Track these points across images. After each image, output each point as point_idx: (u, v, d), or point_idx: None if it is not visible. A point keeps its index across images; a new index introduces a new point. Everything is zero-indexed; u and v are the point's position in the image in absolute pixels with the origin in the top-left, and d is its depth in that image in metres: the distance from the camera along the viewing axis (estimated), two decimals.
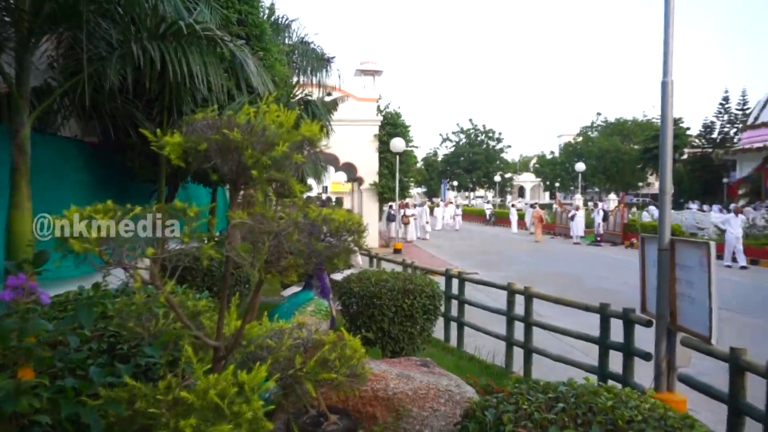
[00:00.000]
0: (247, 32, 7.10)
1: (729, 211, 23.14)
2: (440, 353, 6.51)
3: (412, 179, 26.87)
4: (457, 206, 36.38)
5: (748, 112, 41.06)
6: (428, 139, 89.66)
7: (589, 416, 1.99)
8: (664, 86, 4.05)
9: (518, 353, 6.17)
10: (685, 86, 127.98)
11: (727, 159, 35.23)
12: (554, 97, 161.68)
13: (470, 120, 65.54)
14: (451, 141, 66.04)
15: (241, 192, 2.00)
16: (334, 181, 66.09)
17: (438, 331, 7.01)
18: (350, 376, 2.10)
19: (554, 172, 62.17)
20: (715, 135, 52.57)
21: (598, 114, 65.23)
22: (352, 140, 19.65)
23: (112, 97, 5.45)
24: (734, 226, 15.88)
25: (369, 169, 20.39)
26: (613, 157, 51.82)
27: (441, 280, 7.88)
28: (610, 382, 4.24)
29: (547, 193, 72.15)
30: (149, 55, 4.86)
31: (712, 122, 53.56)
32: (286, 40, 11.64)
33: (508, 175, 65.89)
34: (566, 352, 6.29)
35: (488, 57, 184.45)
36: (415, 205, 33.11)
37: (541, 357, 5.85)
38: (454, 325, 7.46)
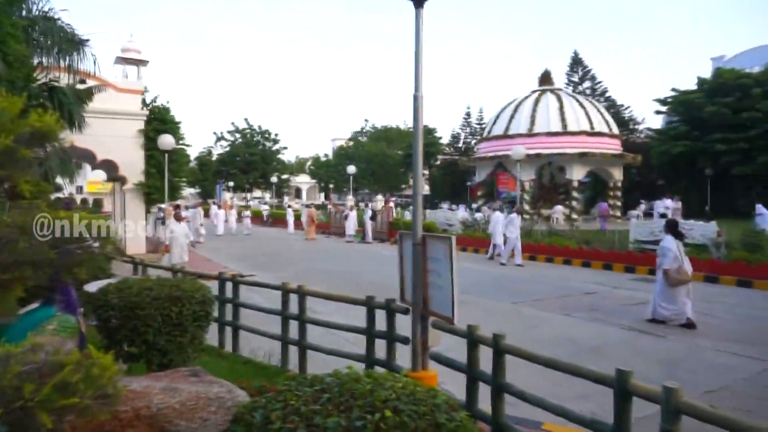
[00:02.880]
0: None
1: (473, 210, 27.08)
2: (214, 360, 6.26)
3: (184, 179, 25.15)
4: (246, 207, 34.02)
5: (484, 125, 48.57)
6: (202, 138, 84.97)
7: (351, 401, 2.14)
8: (416, 99, 4.55)
9: (295, 351, 6.29)
10: (439, 100, 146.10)
11: (469, 165, 41.30)
12: (328, 102, 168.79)
13: (246, 120, 64.43)
14: (226, 140, 63.96)
15: None
16: (92, 180, 58.21)
17: (212, 337, 6.74)
18: (99, 398, 1.87)
19: (328, 173, 64.93)
20: (460, 144, 61.27)
21: (366, 120, 70.34)
22: (112, 135, 17.55)
23: None
24: (516, 226, 16.14)
25: (133, 168, 18.47)
26: (380, 161, 56.41)
27: (215, 285, 7.62)
28: (377, 368, 4.64)
29: (322, 194, 74.93)
30: None
31: (458, 133, 62.40)
32: (24, 12, 9.84)
33: (284, 176, 66.53)
34: (340, 345, 6.64)
35: (264, 58, 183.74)
36: (187, 207, 31.14)
37: (316, 353, 6.06)
38: (229, 330, 7.26)
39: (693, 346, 7.34)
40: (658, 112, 42.62)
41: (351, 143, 66.69)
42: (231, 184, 62.23)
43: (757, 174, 33.50)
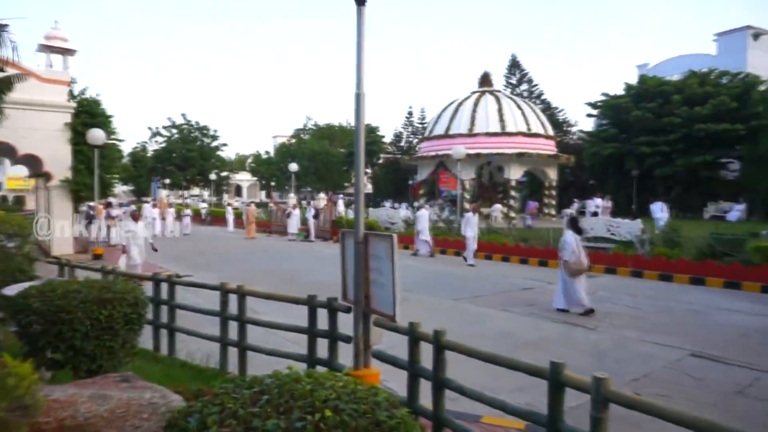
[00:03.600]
0: None
1: (415, 209, 27.32)
2: (148, 365, 6.01)
3: (116, 176, 23.93)
4: (186, 206, 31.71)
5: (426, 125, 49.24)
6: (136, 133, 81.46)
7: (291, 402, 2.11)
8: (357, 98, 4.54)
9: (234, 353, 6.14)
10: (382, 99, 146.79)
11: (412, 164, 41.76)
12: (270, 99, 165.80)
13: (183, 115, 62.23)
14: (162, 136, 61.52)
15: None
16: (12, 176, 54.55)
17: (146, 341, 6.48)
18: (16, 410, 1.75)
19: (270, 171, 63.82)
20: (403, 143, 61.83)
21: (309, 118, 69.65)
22: (35, 128, 16.52)
23: None
24: (473, 225, 15.91)
25: (59, 163, 17.43)
26: (323, 159, 55.99)
27: (149, 286, 7.32)
28: (320, 368, 4.60)
29: (264, 192, 73.62)
30: None
31: (401, 132, 62.94)
32: None
33: (224, 174, 64.82)
34: (281, 345, 6.54)
35: (204, 53, 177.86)
36: (121, 205, 29.73)
37: (257, 354, 5.94)
38: (165, 333, 7.00)
39: (620, 337, 7.75)
40: (589, 115, 44.71)
41: (293, 141, 65.79)
42: (167, 181, 59.96)
43: (677, 175, 35.81)
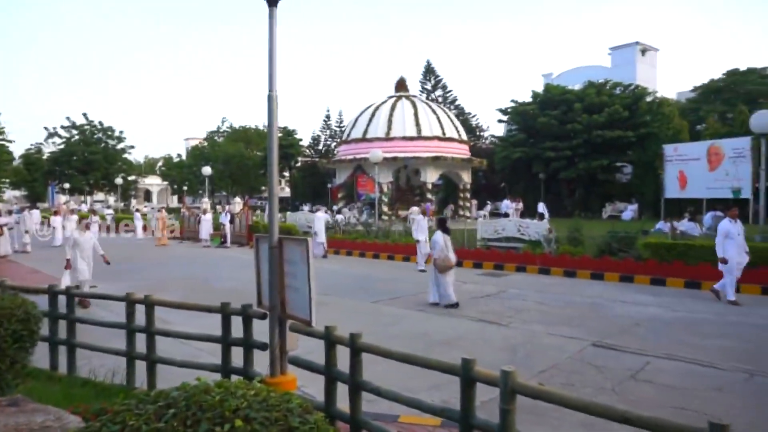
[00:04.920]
0: None
1: (335, 213, 27.25)
2: (44, 385, 5.54)
3: (5, 180, 21.86)
4: (93, 212, 28.14)
5: (344, 128, 49.29)
6: (30, 133, 74.65)
7: (199, 414, 2.03)
8: (270, 99, 4.47)
9: (143, 367, 5.81)
10: (299, 102, 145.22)
11: (330, 167, 41.62)
12: (181, 100, 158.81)
13: (85, 115, 58.14)
14: (60, 137, 57.11)
15: None
16: None
17: (42, 359, 5.96)
18: None
19: (182, 175, 61.15)
20: (320, 146, 61.53)
21: (224, 120, 67.43)
22: None
23: None
24: (423, 228, 15.27)
25: None
26: (238, 163, 54.39)
27: (44, 299, 6.75)
28: (235, 377, 4.45)
29: (176, 197, 70.36)
30: None
31: (319, 135, 62.62)
32: None
33: (131, 178, 61.24)
34: (196, 356, 6.28)
35: (107, 49, 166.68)
36: (10, 212, 27.14)
37: (169, 367, 5.65)
38: (63, 350, 6.47)
39: (530, 332, 8.17)
40: (500, 121, 46.90)
41: (206, 143, 63.41)
42: (67, 186, 55.66)
43: (579, 178, 38.42)
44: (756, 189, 21.37)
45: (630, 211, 33.56)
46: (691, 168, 25.40)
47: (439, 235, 10.43)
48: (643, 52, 57.89)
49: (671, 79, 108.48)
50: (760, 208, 13.44)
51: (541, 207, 24.69)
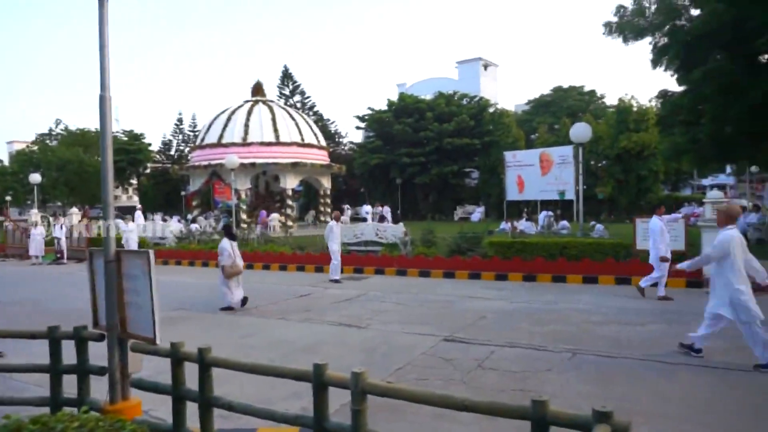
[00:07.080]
0: None
1: (188, 221, 25.67)
2: None
3: None
4: None
5: (197, 133, 46.86)
6: None
7: None
8: (102, 100, 4.11)
9: None
10: (148, 104, 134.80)
11: (183, 174, 39.25)
12: (1, 99, 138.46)
13: None
14: None
15: None
16: None
17: None
18: None
19: (5, 183, 53.44)
20: (173, 152, 57.80)
21: (58, 121, 60.13)
22: None
23: None
24: (336, 236, 14.23)
25: None
26: (75, 169, 48.98)
27: None
28: (69, 409, 3.97)
29: None
30: None
31: (170, 140, 58.78)
32: None
33: None
34: (22, 390, 5.51)
35: None
36: None
37: None
38: None
39: (387, 332, 8.45)
40: (358, 128, 48.06)
41: (36, 147, 56.07)
42: None
43: (433, 183, 40.79)
44: (577, 191, 24.49)
45: (478, 213, 36.45)
46: (527, 173, 28.23)
47: (226, 242, 10.71)
48: (486, 67, 63.37)
49: (510, 92, 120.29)
50: (579, 207, 15.41)
51: (386, 211, 26.60)
